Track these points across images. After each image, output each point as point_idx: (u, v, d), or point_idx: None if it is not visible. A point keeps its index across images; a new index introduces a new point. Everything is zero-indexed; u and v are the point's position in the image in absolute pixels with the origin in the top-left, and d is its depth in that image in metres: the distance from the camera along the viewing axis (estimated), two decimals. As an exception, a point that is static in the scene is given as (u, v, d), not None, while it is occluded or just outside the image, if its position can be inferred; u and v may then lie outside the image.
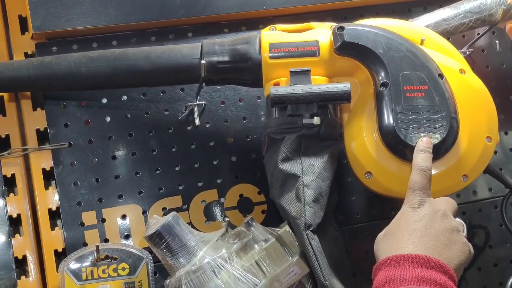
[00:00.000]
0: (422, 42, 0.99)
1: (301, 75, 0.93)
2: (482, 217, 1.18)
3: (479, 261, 1.17)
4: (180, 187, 1.06)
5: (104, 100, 1.06)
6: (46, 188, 1.02)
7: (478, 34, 1.21)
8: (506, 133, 1.22)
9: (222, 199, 1.07)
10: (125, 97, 1.07)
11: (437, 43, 1.01)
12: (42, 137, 1.04)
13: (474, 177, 0.95)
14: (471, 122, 0.93)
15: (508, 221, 1.08)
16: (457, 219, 0.85)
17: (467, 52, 1.18)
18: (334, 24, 0.99)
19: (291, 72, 0.93)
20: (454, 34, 1.12)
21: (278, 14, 1.14)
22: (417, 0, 1.22)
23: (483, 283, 1.16)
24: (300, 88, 0.90)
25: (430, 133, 0.89)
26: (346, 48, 0.93)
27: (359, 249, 1.12)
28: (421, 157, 0.86)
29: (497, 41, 1.24)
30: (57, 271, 0.98)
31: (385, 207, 1.13)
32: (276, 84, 0.95)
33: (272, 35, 0.96)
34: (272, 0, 1.12)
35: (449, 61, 0.97)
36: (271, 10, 1.13)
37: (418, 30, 1.02)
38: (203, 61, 0.95)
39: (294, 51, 0.95)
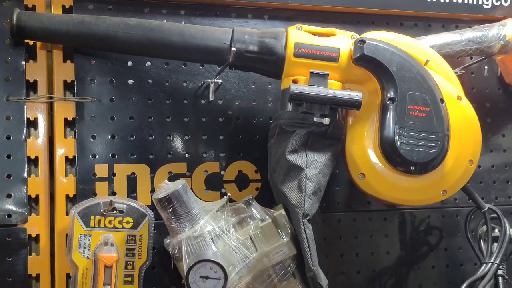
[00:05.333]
0: (426, 62, 1.05)
1: (319, 77, 0.98)
2: (444, 222, 1.28)
3: (434, 261, 1.27)
4: (187, 155, 1.12)
5: (130, 63, 1.09)
6: (66, 136, 1.06)
7: (471, 58, 1.27)
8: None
9: (222, 172, 1.13)
10: (149, 63, 1.10)
11: (441, 67, 1.07)
12: (68, 88, 1.07)
13: (452, 193, 1.04)
14: (459, 145, 1.01)
15: (469, 232, 1.18)
16: None
17: (459, 72, 1.25)
18: (354, 34, 1.04)
19: (311, 73, 0.98)
20: (453, 57, 1.18)
21: (300, 9, 1.18)
22: (422, 17, 1.27)
23: (434, 280, 1.27)
24: (317, 90, 0.96)
25: (425, 150, 0.96)
26: (364, 60, 0.99)
27: (334, 234, 1.20)
28: None
29: (486, 67, 1.31)
30: (66, 215, 1.03)
31: (363, 202, 1.22)
32: (295, 81, 1.00)
33: (298, 35, 1.01)
34: (296, -4, 1.17)
35: (449, 86, 1.04)
36: (294, 5, 1.17)
37: (425, 50, 1.08)
38: (233, 48, 0.99)
39: (317, 53, 1.00)
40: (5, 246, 1.01)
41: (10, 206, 1.01)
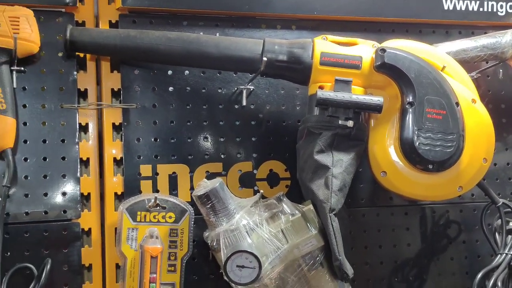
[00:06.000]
0: (443, 68, 1.12)
1: (344, 83, 1.06)
2: (462, 217, 1.35)
3: (453, 252, 1.34)
4: (222, 156, 1.20)
5: (170, 72, 1.18)
6: (114, 140, 1.15)
7: (487, 62, 1.33)
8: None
9: (255, 171, 1.21)
10: (187, 72, 1.18)
11: (456, 72, 1.13)
12: (115, 95, 1.16)
13: (468, 189, 1.10)
14: (473, 145, 1.08)
15: (485, 225, 1.24)
16: None
17: (475, 76, 1.31)
18: (375, 43, 1.11)
19: (336, 80, 1.06)
20: (469, 63, 1.24)
21: (324, 19, 1.25)
22: (440, 24, 1.34)
23: (453, 270, 1.34)
24: (342, 95, 1.03)
25: (442, 150, 1.03)
26: (385, 67, 1.05)
27: (359, 228, 1.28)
28: None
29: (501, 70, 1.37)
30: (115, 210, 1.13)
31: (386, 197, 1.29)
32: (321, 87, 1.07)
33: (323, 45, 1.08)
34: (322, 7, 1.24)
35: (465, 90, 1.10)
36: (319, 16, 1.24)
37: (441, 57, 1.14)
38: (264, 58, 1.07)
39: (341, 62, 1.07)
40: (62, 239, 1.10)
41: (65, 203, 1.11)
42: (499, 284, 1.12)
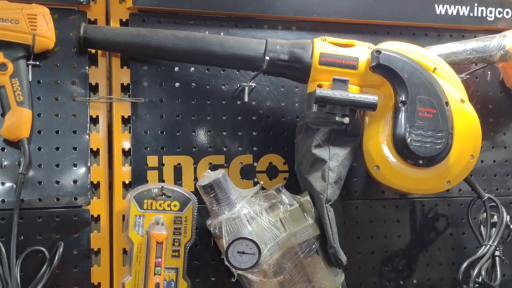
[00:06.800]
0: (434, 70, 1.16)
1: (341, 82, 1.10)
2: (450, 210, 1.40)
3: (440, 244, 1.40)
4: (225, 149, 1.24)
5: (176, 69, 1.22)
6: (122, 132, 1.19)
7: (476, 64, 1.38)
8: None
9: (255, 163, 1.26)
10: (193, 69, 1.23)
11: (447, 73, 1.18)
12: (124, 90, 1.20)
13: (455, 183, 1.16)
14: (461, 142, 1.13)
15: (471, 218, 1.30)
16: None
17: (464, 77, 1.36)
18: (371, 45, 1.16)
19: (334, 79, 1.10)
20: (459, 65, 1.29)
21: (323, 21, 1.30)
22: (433, 28, 1.38)
23: (440, 260, 1.40)
24: (339, 94, 1.08)
25: (432, 146, 1.08)
26: (380, 68, 1.10)
27: (352, 219, 1.33)
28: None
29: (489, 72, 1.41)
30: (123, 198, 1.17)
31: (378, 191, 1.34)
32: (320, 86, 1.12)
33: (322, 45, 1.13)
34: (321, 10, 1.28)
35: (454, 91, 1.15)
36: (318, 18, 1.29)
37: (433, 59, 1.19)
38: (267, 57, 1.12)
39: (339, 62, 1.12)
40: (72, 224, 1.14)
41: (76, 190, 1.15)
42: (483, 273, 1.18)
